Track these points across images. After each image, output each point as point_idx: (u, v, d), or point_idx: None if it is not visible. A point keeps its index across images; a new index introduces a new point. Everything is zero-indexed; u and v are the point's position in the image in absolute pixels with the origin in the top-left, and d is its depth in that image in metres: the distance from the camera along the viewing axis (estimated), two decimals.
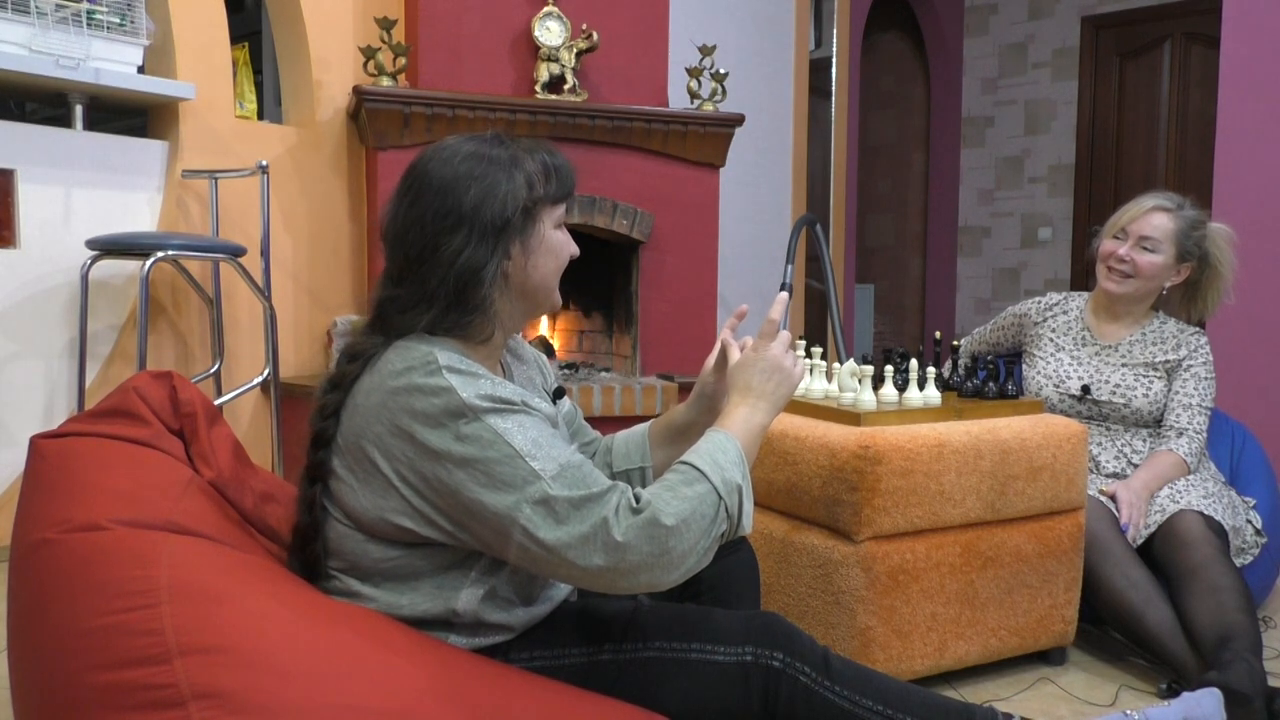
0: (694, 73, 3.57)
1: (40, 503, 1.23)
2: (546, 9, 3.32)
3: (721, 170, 3.64)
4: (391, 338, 1.23)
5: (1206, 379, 2.28)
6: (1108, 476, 2.25)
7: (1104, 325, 2.39)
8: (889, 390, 1.93)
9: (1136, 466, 2.24)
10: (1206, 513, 2.04)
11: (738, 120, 3.57)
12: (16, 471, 2.67)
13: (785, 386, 1.33)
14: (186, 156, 3.03)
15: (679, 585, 1.30)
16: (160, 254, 2.52)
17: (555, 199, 1.28)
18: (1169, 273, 2.31)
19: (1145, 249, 2.28)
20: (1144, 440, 2.29)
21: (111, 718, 1.03)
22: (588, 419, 1.65)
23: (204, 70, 3.06)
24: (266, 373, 2.89)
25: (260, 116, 3.47)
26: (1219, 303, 2.37)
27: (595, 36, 3.29)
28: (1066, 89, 6.00)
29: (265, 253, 2.92)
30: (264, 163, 2.85)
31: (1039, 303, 2.51)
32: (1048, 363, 2.38)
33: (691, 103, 3.57)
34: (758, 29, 4.93)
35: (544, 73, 3.30)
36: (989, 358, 2.20)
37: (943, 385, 2.05)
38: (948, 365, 2.37)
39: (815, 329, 5.78)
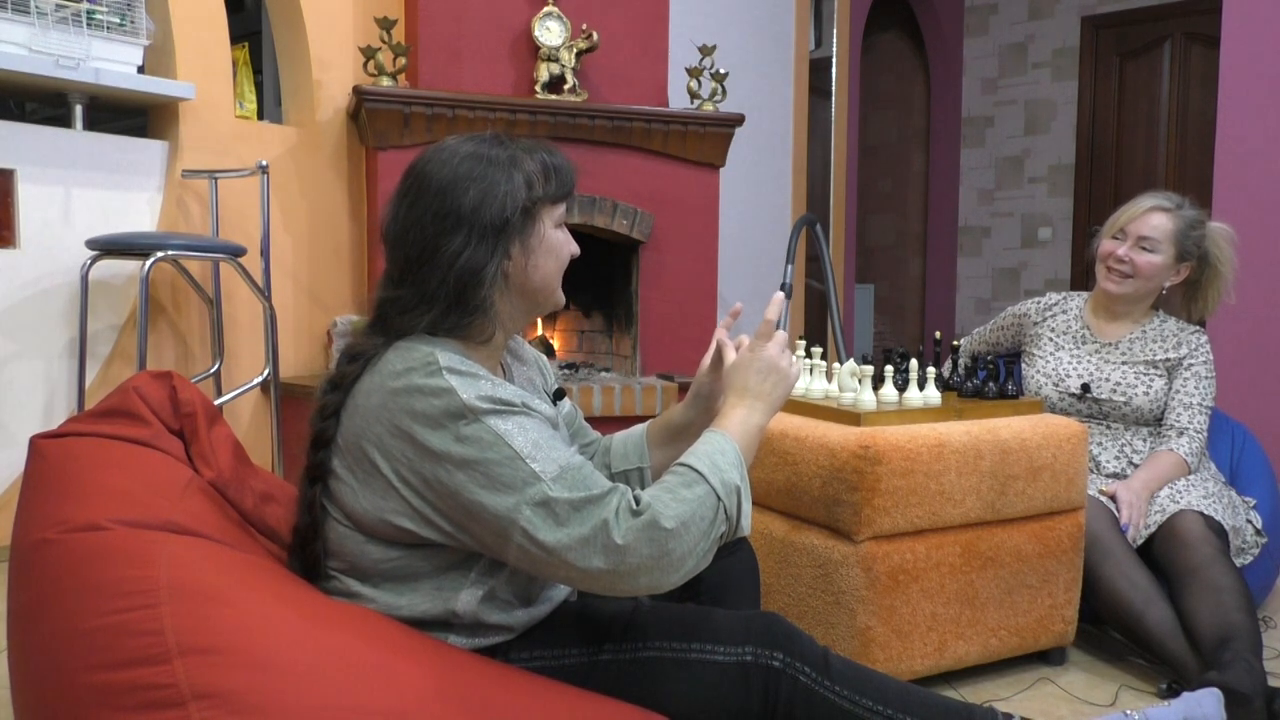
0: (694, 73, 3.57)
1: (40, 503, 1.23)
2: (546, 9, 3.32)
3: (721, 170, 3.64)
4: (392, 338, 1.23)
5: (1207, 378, 2.28)
6: (1108, 476, 2.25)
7: (1104, 324, 2.39)
8: (889, 390, 1.93)
9: (1137, 466, 2.24)
10: (1206, 513, 2.04)
11: (738, 120, 3.57)
12: (16, 471, 2.67)
13: (782, 387, 1.32)
14: (186, 156, 3.03)
15: (679, 586, 1.29)
16: (160, 254, 2.52)
17: (555, 198, 1.28)
18: (1168, 272, 2.31)
19: (1144, 249, 2.28)
20: (1144, 440, 2.29)
21: (111, 718, 1.03)
22: (588, 419, 1.65)
23: (204, 70, 3.06)
24: (266, 373, 2.89)
25: (260, 116, 3.47)
26: (1219, 302, 2.37)
27: (595, 36, 3.29)
28: (1066, 89, 6.00)
29: (265, 253, 2.92)
30: (264, 163, 2.85)
31: (1038, 303, 2.51)
32: (1047, 361, 2.38)
33: (691, 103, 3.57)
34: (758, 29, 4.93)
35: (544, 73, 3.30)
36: (989, 358, 2.20)
37: (943, 385, 2.05)
38: (947, 365, 2.37)
39: (815, 329, 5.78)
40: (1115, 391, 2.29)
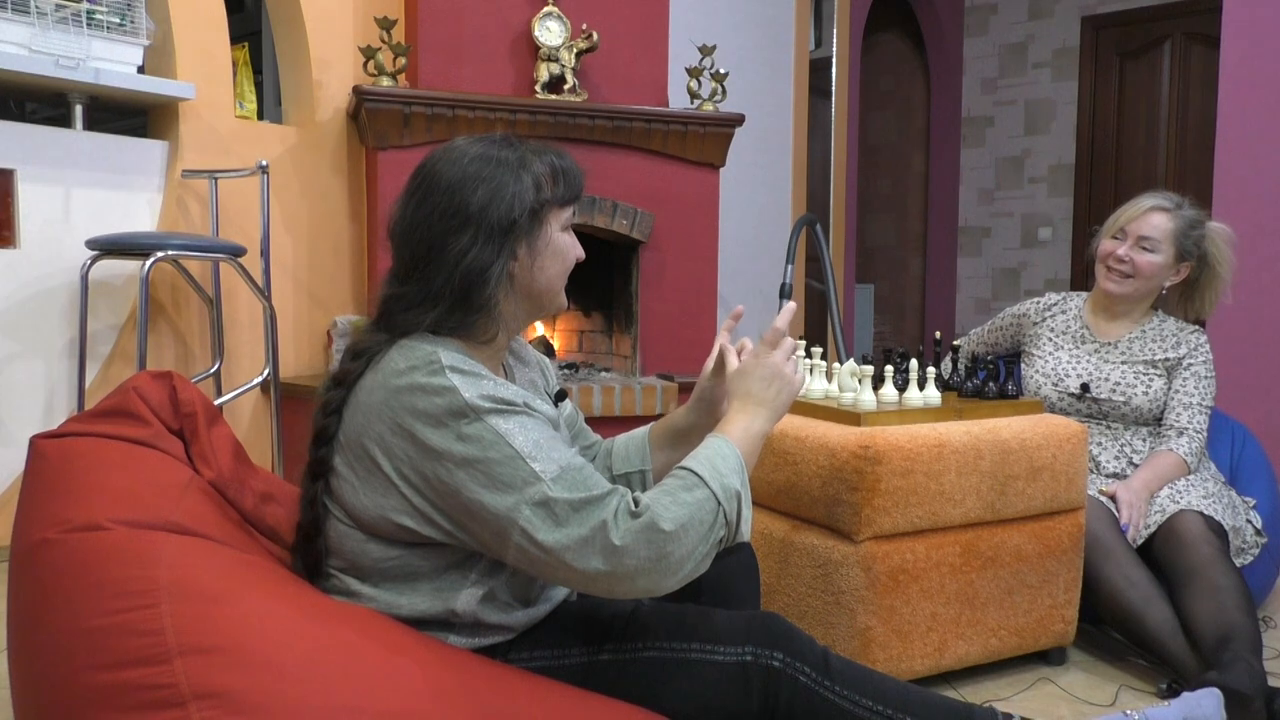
0: (694, 73, 3.57)
1: (40, 503, 1.23)
2: (546, 9, 3.32)
3: (721, 170, 3.64)
4: (395, 336, 1.23)
5: (1207, 378, 2.28)
6: (1108, 476, 2.25)
7: (1103, 324, 2.39)
8: (889, 390, 1.93)
9: (1136, 466, 2.24)
10: (1206, 513, 2.04)
11: (738, 120, 3.57)
12: (16, 471, 2.67)
13: (786, 394, 1.33)
14: (186, 156, 3.03)
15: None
16: (160, 254, 2.52)
17: (563, 201, 1.29)
18: (1168, 272, 2.31)
19: (1144, 249, 2.28)
20: (1144, 439, 2.29)
21: (111, 718, 1.03)
22: (588, 419, 1.65)
23: (204, 70, 3.06)
24: (266, 373, 2.89)
25: (260, 116, 3.47)
26: (1216, 302, 2.37)
27: (595, 36, 3.29)
28: (1066, 89, 6.00)
29: (265, 253, 2.92)
30: (264, 163, 2.85)
31: (1038, 303, 2.51)
32: (1046, 361, 2.38)
33: (691, 103, 3.57)
34: (758, 29, 4.93)
35: (544, 73, 3.30)
36: (989, 358, 2.20)
37: (943, 385, 2.05)
38: (946, 364, 2.37)
39: (815, 329, 5.78)
40: (1115, 391, 2.29)
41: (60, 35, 2.68)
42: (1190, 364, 2.28)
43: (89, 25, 2.73)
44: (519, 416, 1.16)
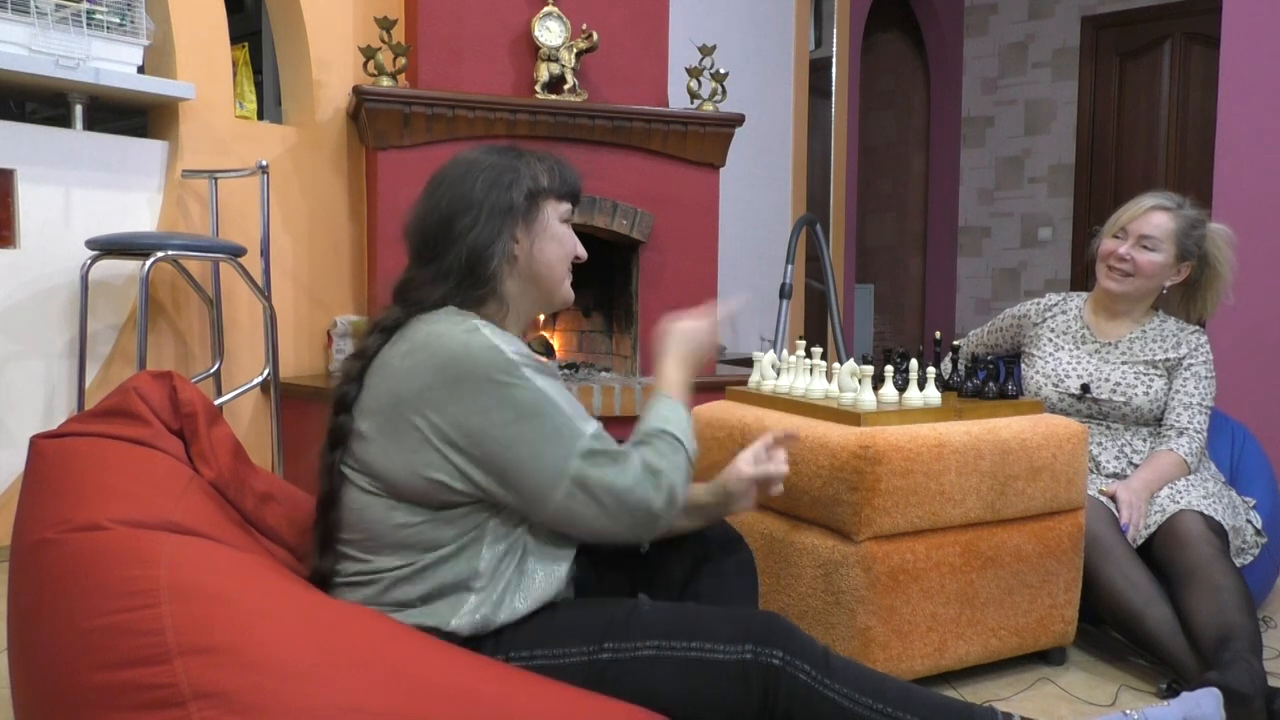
0: (694, 73, 3.57)
1: (40, 503, 1.23)
2: (546, 9, 3.32)
3: (721, 170, 3.64)
4: (412, 310, 1.33)
5: (1207, 378, 2.28)
6: (1108, 476, 2.25)
7: (1103, 324, 2.39)
8: (889, 390, 1.93)
9: (1137, 466, 2.24)
10: (1206, 513, 2.04)
11: (738, 120, 3.57)
12: (16, 471, 2.67)
13: (699, 348, 1.52)
14: (186, 156, 3.03)
15: (679, 585, 1.42)
16: (160, 254, 2.52)
17: (559, 194, 1.42)
18: (1169, 272, 2.31)
19: (1145, 248, 2.28)
20: (1144, 440, 2.29)
21: (111, 717, 1.03)
22: None
23: (204, 70, 3.06)
24: (266, 373, 2.89)
25: (260, 116, 3.47)
26: (1218, 303, 2.37)
27: (595, 36, 3.29)
28: (1066, 89, 6.01)
29: (265, 253, 2.92)
30: (264, 163, 2.85)
31: (1038, 304, 2.51)
32: (1046, 362, 2.38)
33: (691, 103, 3.57)
34: (758, 29, 4.94)
35: (544, 73, 3.30)
36: (989, 358, 2.20)
37: (943, 385, 2.05)
38: (946, 364, 2.37)
39: (815, 329, 5.78)
40: (1115, 392, 2.29)
41: (60, 35, 2.68)
42: (1191, 364, 2.28)
43: (89, 25, 2.73)
44: (551, 377, 1.29)
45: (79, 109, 2.85)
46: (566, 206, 1.44)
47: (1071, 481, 1.97)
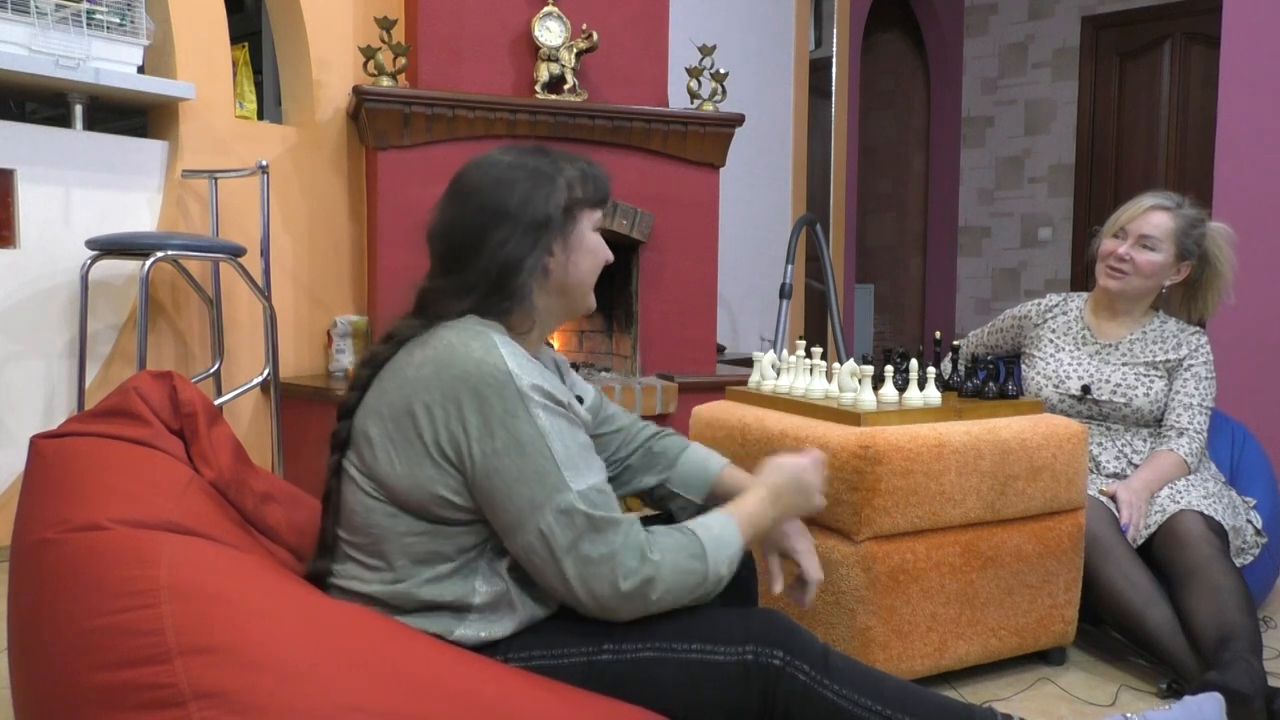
0: (694, 73, 3.57)
1: (40, 503, 1.23)
2: (546, 9, 3.32)
3: (721, 170, 3.64)
4: (433, 323, 1.29)
5: (1207, 379, 2.28)
6: (1108, 476, 2.25)
7: (1104, 324, 2.39)
8: (889, 390, 1.93)
9: (1137, 466, 2.24)
10: (1206, 513, 2.04)
11: (738, 120, 3.57)
12: (16, 471, 2.67)
13: (801, 508, 1.44)
14: (186, 156, 3.03)
15: None
16: (160, 254, 2.52)
17: (593, 203, 1.38)
18: (1169, 271, 2.31)
19: (1145, 247, 2.28)
20: (1144, 440, 2.29)
21: (112, 717, 1.03)
22: None
23: (204, 70, 3.06)
24: (266, 373, 2.89)
25: (260, 116, 3.47)
26: (1219, 302, 2.37)
27: (595, 36, 3.29)
28: (1066, 89, 6.01)
29: (265, 253, 2.92)
30: (264, 163, 2.85)
31: (1039, 304, 2.50)
32: (1047, 363, 2.38)
33: (691, 103, 3.57)
34: (758, 29, 4.94)
35: (544, 73, 3.30)
36: (988, 358, 2.20)
37: (943, 385, 2.05)
38: (946, 364, 2.36)
39: (815, 329, 5.79)
40: (1115, 393, 2.29)
41: (60, 35, 2.68)
42: (1191, 365, 2.28)
43: (89, 25, 2.73)
44: (562, 419, 1.24)
45: (79, 109, 2.85)
46: (599, 215, 1.40)
47: (1071, 481, 1.97)
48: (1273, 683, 1.80)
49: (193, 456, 1.38)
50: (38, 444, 1.30)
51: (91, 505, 1.18)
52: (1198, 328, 2.35)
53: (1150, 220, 2.28)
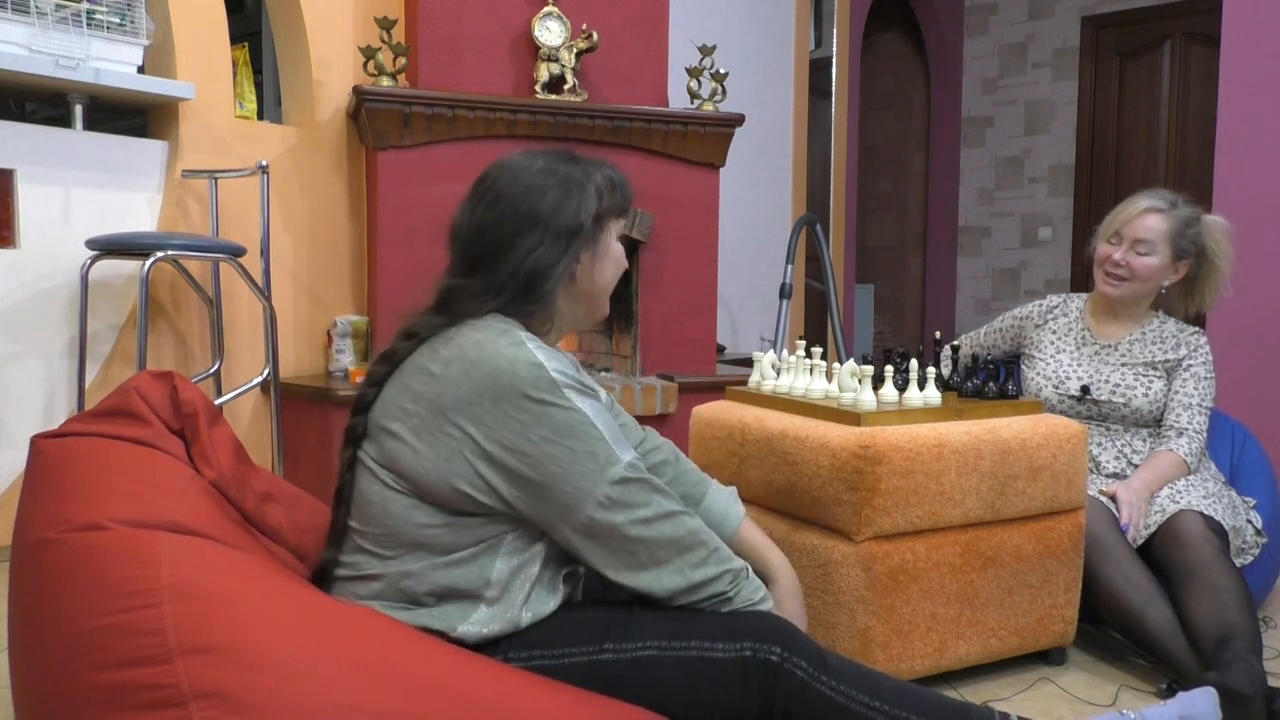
0: (694, 73, 3.57)
1: (41, 502, 1.23)
2: (546, 9, 3.32)
3: (721, 170, 3.64)
4: (455, 321, 1.30)
5: (1206, 379, 2.28)
6: (1108, 477, 2.25)
7: (1104, 325, 2.39)
8: (889, 390, 1.93)
9: (1136, 466, 2.24)
10: (1206, 513, 2.04)
11: (738, 120, 3.57)
12: (16, 471, 2.67)
13: (800, 617, 1.52)
14: (186, 156, 3.03)
15: None
16: (160, 254, 2.52)
17: (619, 212, 1.42)
18: (1166, 272, 2.31)
19: (1140, 252, 2.28)
20: (1144, 440, 2.29)
21: (112, 717, 1.03)
22: None
23: (204, 70, 3.06)
24: (266, 373, 2.89)
25: (260, 116, 3.47)
26: (1217, 295, 2.36)
27: (595, 36, 3.29)
28: (1066, 89, 6.01)
29: (265, 253, 2.92)
30: (264, 163, 2.85)
31: (1039, 305, 2.50)
32: (1048, 364, 2.38)
33: (691, 103, 3.57)
34: (758, 29, 4.94)
35: (544, 73, 3.30)
36: (988, 358, 2.20)
37: (943, 385, 2.05)
38: (946, 363, 2.36)
39: (815, 329, 5.79)
40: (1115, 393, 2.29)
41: (60, 35, 2.68)
42: (1190, 365, 2.28)
43: (89, 25, 2.73)
44: (593, 400, 1.28)
45: (79, 109, 2.85)
46: (623, 223, 1.44)
47: (1071, 481, 1.97)
48: (1273, 683, 1.80)
49: (193, 456, 1.38)
50: (38, 444, 1.30)
51: (92, 505, 1.18)
52: (1197, 328, 2.35)
53: (1144, 224, 2.27)
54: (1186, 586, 1.92)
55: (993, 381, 2.04)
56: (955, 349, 2.18)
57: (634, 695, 1.25)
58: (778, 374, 2.13)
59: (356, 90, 3.13)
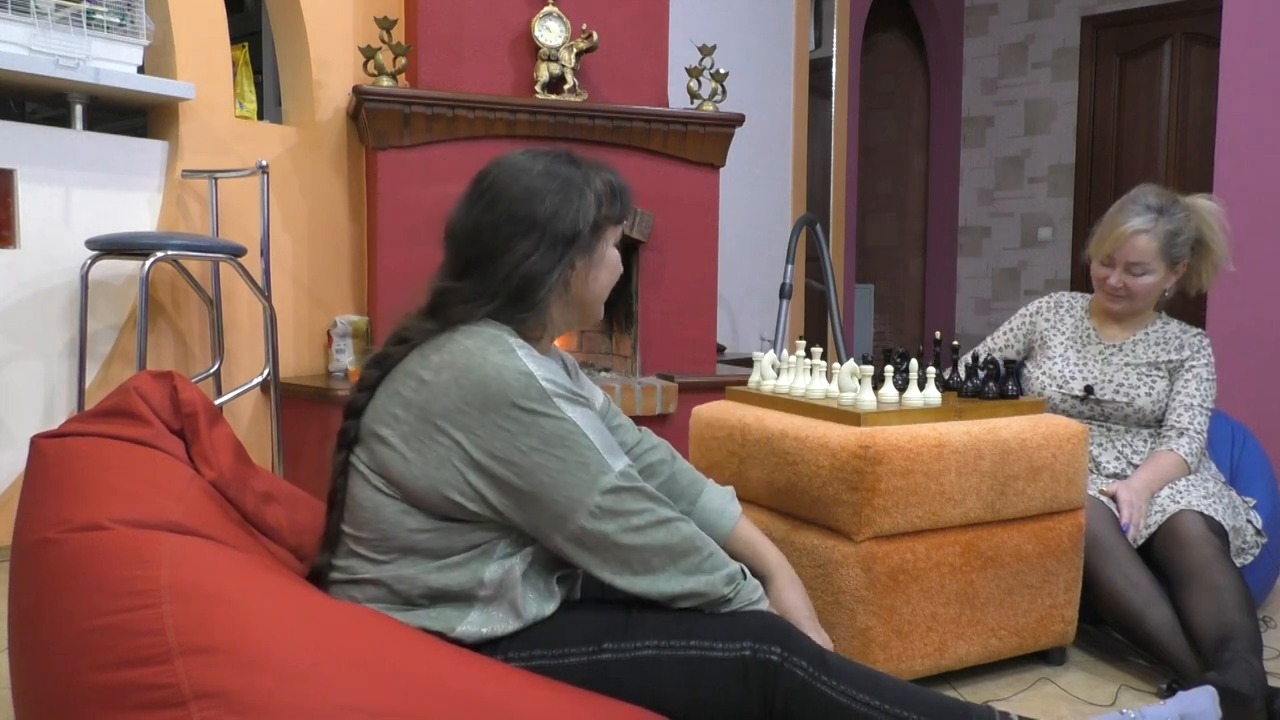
0: (694, 73, 3.57)
1: (41, 502, 1.23)
2: (546, 9, 3.32)
3: (721, 170, 3.64)
4: (447, 326, 1.29)
5: (1208, 380, 2.28)
6: (1108, 477, 2.25)
7: (1107, 326, 2.39)
8: (889, 390, 1.93)
9: (1137, 467, 2.24)
10: (1207, 513, 2.04)
11: (738, 120, 3.57)
12: (16, 471, 2.67)
13: (805, 607, 1.51)
14: (186, 156, 3.03)
15: None
16: (160, 254, 2.52)
17: (618, 219, 1.39)
18: (1165, 281, 2.31)
19: (1135, 274, 2.27)
20: (1144, 441, 2.29)
21: (112, 717, 1.03)
22: None
23: (204, 70, 3.06)
24: (266, 373, 2.89)
25: (260, 116, 3.47)
26: (1216, 274, 2.36)
27: (595, 36, 3.29)
28: (1066, 89, 6.01)
29: (265, 253, 2.92)
30: (264, 162, 2.85)
31: (1050, 299, 2.49)
32: (1054, 363, 2.38)
33: (691, 103, 3.57)
34: (758, 29, 4.94)
35: (544, 73, 3.30)
36: (988, 358, 2.20)
37: (943, 385, 2.05)
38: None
39: (815, 329, 5.79)
40: (1118, 393, 2.29)
41: (60, 35, 2.68)
42: (1192, 365, 2.28)
43: (89, 25, 2.73)
44: (585, 408, 1.27)
45: (79, 109, 2.85)
46: (620, 230, 1.42)
47: (1071, 481, 1.97)
48: (1273, 683, 1.80)
49: (193, 456, 1.38)
50: (38, 444, 1.30)
51: (92, 505, 1.18)
52: (1200, 329, 2.35)
53: (1134, 247, 2.24)
54: (1186, 586, 1.92)
55: (993, 381, 2.04)
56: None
57: (634, 695, 1.25)
58: (778, 374, 2.13)
59: (356, 90, 3.13)
